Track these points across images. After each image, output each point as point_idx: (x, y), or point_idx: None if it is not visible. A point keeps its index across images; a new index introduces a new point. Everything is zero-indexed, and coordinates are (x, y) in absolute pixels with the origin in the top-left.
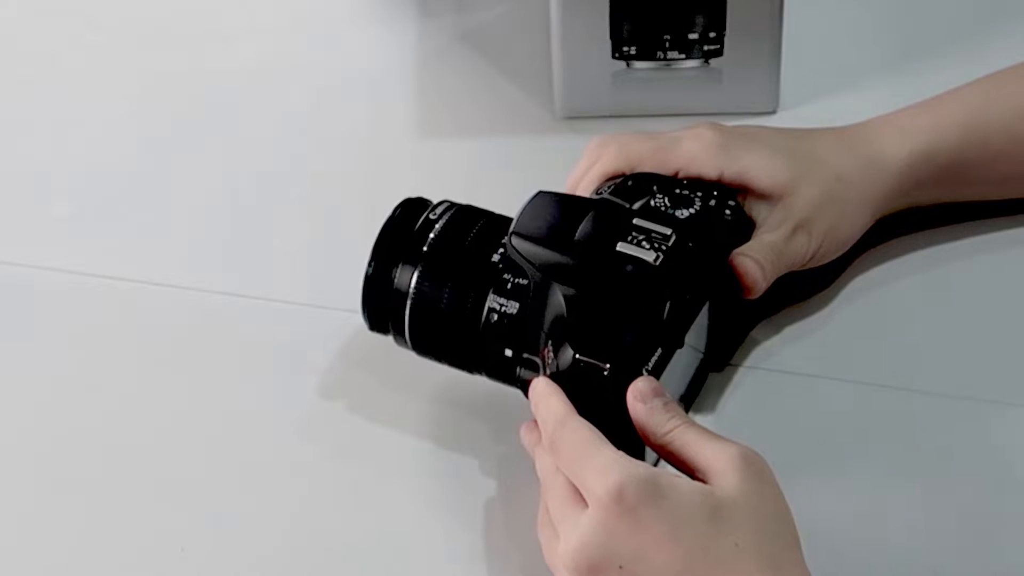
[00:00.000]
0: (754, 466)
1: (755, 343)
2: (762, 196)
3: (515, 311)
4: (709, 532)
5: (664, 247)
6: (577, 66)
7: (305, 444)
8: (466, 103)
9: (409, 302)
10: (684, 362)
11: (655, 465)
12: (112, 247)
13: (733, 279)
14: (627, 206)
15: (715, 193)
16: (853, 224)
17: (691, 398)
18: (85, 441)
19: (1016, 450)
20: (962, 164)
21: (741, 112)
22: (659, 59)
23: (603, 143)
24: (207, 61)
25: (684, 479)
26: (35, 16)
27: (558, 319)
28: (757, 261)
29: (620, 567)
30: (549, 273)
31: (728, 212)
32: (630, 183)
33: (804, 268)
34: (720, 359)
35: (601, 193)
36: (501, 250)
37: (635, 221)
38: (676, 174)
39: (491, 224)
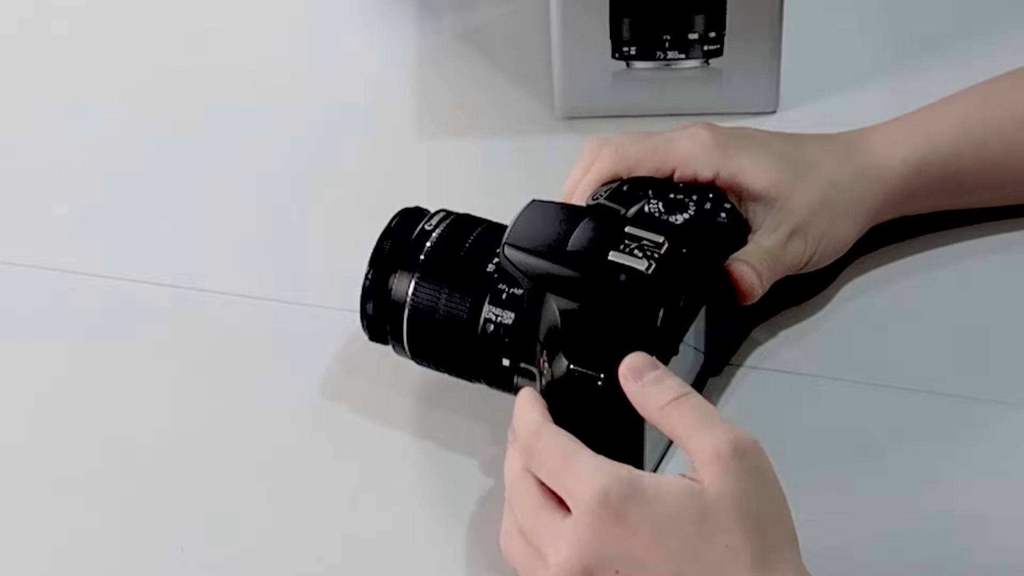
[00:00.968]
0: (746, 458)
1: (755, 343)
2: (757, 198)
3: (511, 321)
4: (698, 535)
5: (656, 255)
6: (577, 66)
7: (305, 444)
8: (466, 103)
9: (407, 312)
10: (686, 366)
11: (656, 467)
12: (112, 247)
13: (729, 285)
14: (621, 212)
15: (711, 196)
16: (847, 231)
17: None
18: (85, 441)
19: (1015, 450)
20: (957, 173)
21: (741, 112)
22: (659, 59)
23: (599, 146)
24: (207, 61)
25: (670, 479)
26: (35, 16)
27: (552, 329)
28: (754, 267)
29: (616, 572)
30: (542, 283)
31: (723, 216)
32: (625, 188)
33: (799, 273)
34: (718, 363)
35: (597, 198)
36: (496, 260)
37: (627, 229)
38: (672, 173)
39: (487, 233)
